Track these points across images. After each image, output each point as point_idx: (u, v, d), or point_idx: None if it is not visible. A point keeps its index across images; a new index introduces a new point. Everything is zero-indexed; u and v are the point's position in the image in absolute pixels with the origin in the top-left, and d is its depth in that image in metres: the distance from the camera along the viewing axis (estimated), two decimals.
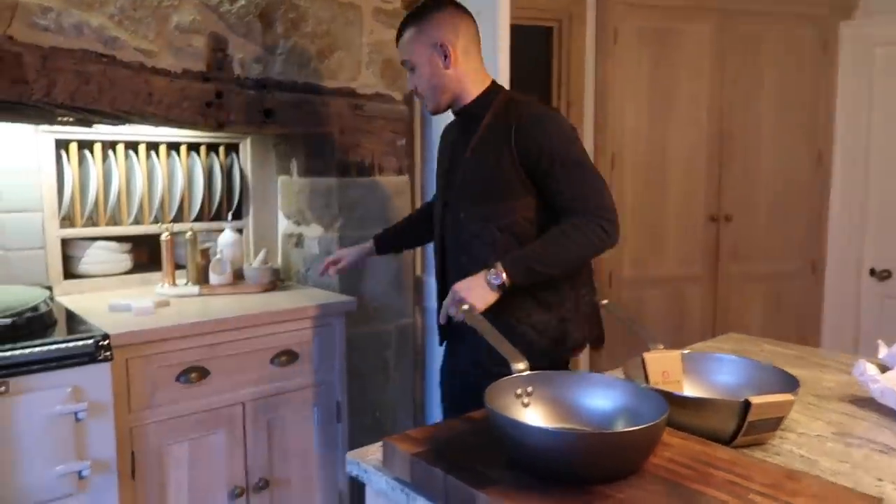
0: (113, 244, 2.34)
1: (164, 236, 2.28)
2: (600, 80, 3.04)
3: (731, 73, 3.20)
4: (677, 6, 3.10)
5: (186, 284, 2.31)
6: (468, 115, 1.65)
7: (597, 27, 3.00)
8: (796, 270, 3.42)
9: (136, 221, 2.38)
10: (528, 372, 1.04)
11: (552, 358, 1.58)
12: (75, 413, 1.67)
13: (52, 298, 2.12)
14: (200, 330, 1.91)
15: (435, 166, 1.88)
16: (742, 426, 1.04)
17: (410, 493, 0.93)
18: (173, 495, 1.91)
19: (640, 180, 3.20)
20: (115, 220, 2.35)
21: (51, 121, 2.07)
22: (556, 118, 1.59)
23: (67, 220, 2.25)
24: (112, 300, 2.04)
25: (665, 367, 1.26)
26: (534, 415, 1.01)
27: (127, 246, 2.40)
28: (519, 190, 1.55)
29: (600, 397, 1.01)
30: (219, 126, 2.16)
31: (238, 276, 2.37)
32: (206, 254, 2.36)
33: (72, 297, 2.18)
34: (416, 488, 0.93)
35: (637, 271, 3.23)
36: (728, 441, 1.05)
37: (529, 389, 1.03)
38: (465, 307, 1.18)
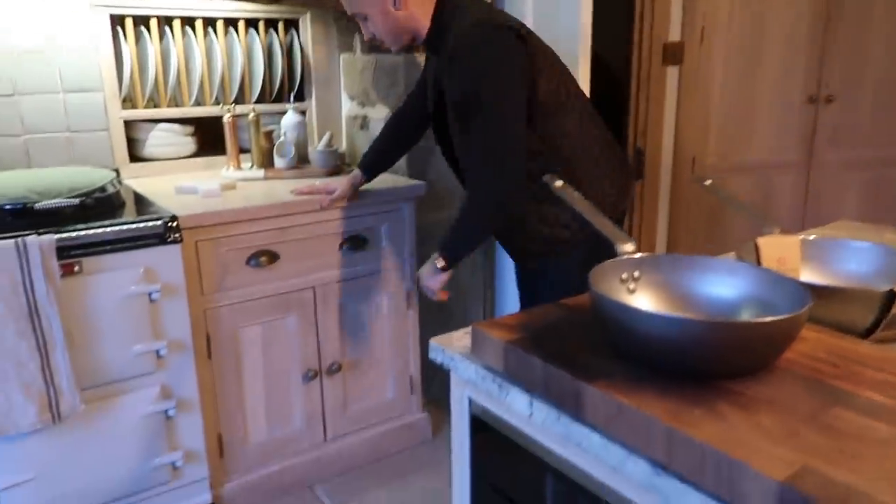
0: (176, 126, 2.27)
1: (227, 118, 2.19)
2: None
3: None
4: None
5: (251, 168, 2.24)
6: (431, 48, 1.63)
7: None
8: None
9: (198, 103, 2.30)
10: (636, 254, 0.92)
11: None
12: (149, 294, 1.66)
13: (119, 181, 2.09)
14: (269, 213, 1.85)
15: None
16: (883, 319, 0.90)
17: (503, 384, 0.85)
18: (249, 376, 1.92)
19: (732, 56, 2.89)
20: (176, 102, 2.27)
21: None
22: (473, 47, 1.45)
23: (129, 102, 2.19)
24: (178, 183, 1.99)
25: (781, 252, 1.11)
26: (643, 302, 0.90)
27: (190, 129, 2.33)
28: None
29: (721, 284, 0.89)
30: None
31: (303, 159, 2.29)
32: (269, 136, 2.26)
33: (138, 181, 2.14)
34: (509, 378, 0.85)
35: (723, 157, 2.99)
36: (863, 337, 0.92)
37: (636, 274, 0.91)
38: (559, 183, 1.05)
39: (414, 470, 2.18)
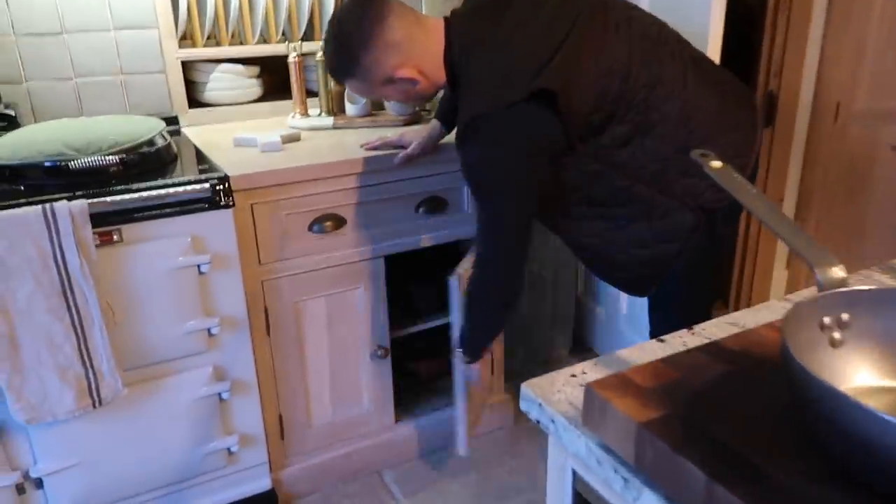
0: (239, 67, 2.03)
1: (292, 58, 1.92)
2: None
3: None
4: None
5: (320, 115, 1.98)
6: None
7: None
8: None
9: (263, 41, 2.05)
10: (841, 287, 0.60)
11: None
12: (198, 266, 1.45)
13: (176, 131, 1.89)
14: (333, 172, 1.60)
15: None
16: None
17: (632, 480, 0.57)
18: (312, 353, 1.72)
19: None
20: (240, 40, 2.02)
21: None
22: (481, 128, 1.23)
23: (188, 41, 1.96)
24: (237, 133, 1.76)
25: None
26: (853, 364, 0.59)
27: (255, 70, 2.09)
28: None
29: None
30: None
31: (378, 105, 2.01)
32: None
33: (197, 129, 1.93)
34: (643, 475, 0.56)
35: (875, 101, 2.49)
36: None
37: (844, 317, 0.60)
38: (716, 164, 0.72)
39: (492, 460, 1.95)
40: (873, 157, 2.46)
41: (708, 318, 1.57)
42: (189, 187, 1.40)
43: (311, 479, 1.81)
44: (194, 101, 2.01)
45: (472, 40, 1.28)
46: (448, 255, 1.84)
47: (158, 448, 1.53)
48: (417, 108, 2.00)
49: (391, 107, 1.96)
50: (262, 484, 1.70)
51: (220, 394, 1.56)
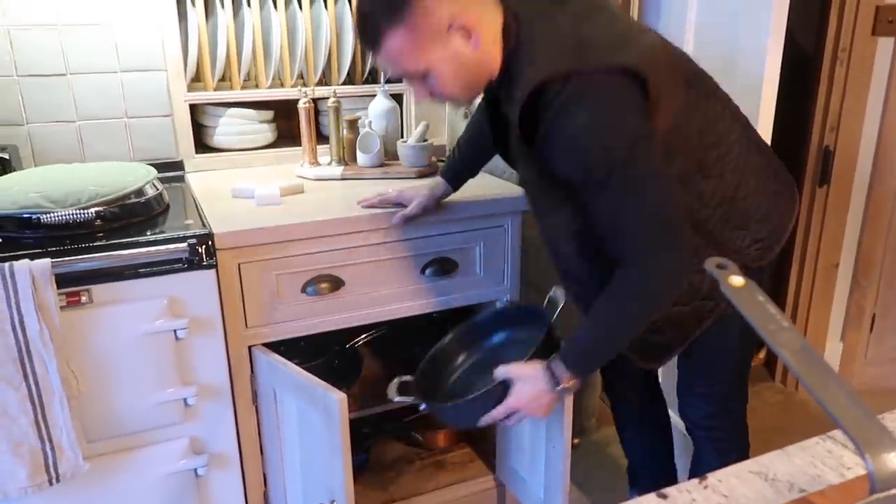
0: (250, 112, 1.95)
1: (303, 102, 1.82)
2: None
3: None
4: None
5: (330, 164, 1.87)
6: (493, 91, 1.21)
7: None
8: None
9: (280, 83, 1.96)
10: None
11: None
12: (174, 330, 1.34)
13: (179, 177, 1.80)
14: (331, 230, 1.47)
15: None
16: None
17: None
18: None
19: None
20: (255, 83, 1.94)
21: None
22: (587, 103, 1.02)
23: (200, 82, 1.88)
24: (236, 184, 1.66)
25: None
26: None
27: (268, 114, 2.00)
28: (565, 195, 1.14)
29: None
30: None
31: (391, 154, 1.89)
32: (354, 126, 1.88)
33: (201, 176, 1.84)
34: None
35: None
36: None
37: None
38: (737, 280, 0.55)
39: None
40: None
41: (748, 367, 1.38)
42: (164, 247, 1.29)
43: None
44: (203, 145, 1.93)
45: (538, 11, 1.08)
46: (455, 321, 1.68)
47: None
48: (435, 159, 1.88)
49: (405, 157, 1.83)
50: None
51: (195, 469, 1.43)
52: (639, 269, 1.09)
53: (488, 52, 1.09)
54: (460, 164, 1.52)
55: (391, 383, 1.44)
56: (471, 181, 1.56)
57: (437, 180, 1.51)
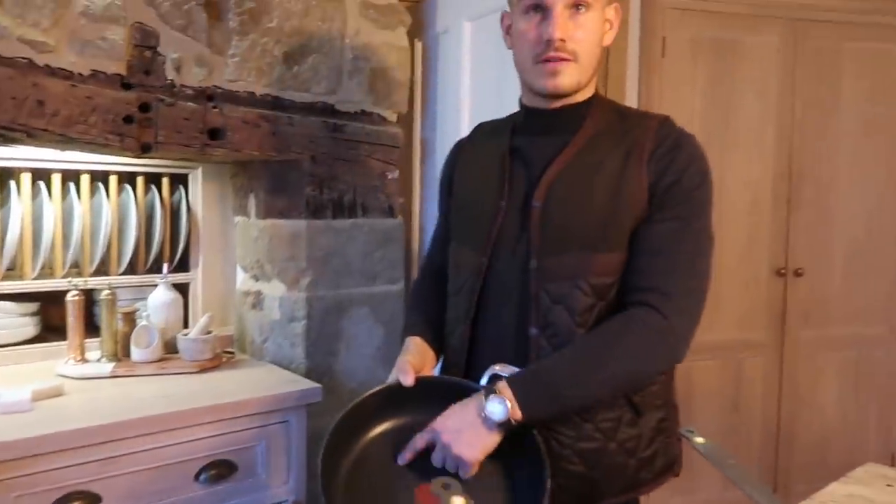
0: (8, 304, 1.78)
1: (71, 295, 1.71)
2: (644, 100, 2.46)
3: (804, 93, 2.62)
4: (739, 13, 2.53)
5: (100, 360, 1.74)
6: (561, 117, 1.16)
7: (641, 37, 2.44)
8: (879, 336, 2.79)
9: (51, 273, 1.82)
10: None
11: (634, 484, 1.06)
12: None
13: None
14: (87, 440, 1.33)
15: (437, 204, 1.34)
16: None
17: None
18: None
19: None
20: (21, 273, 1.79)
21: None
22: (695, 142, 1.16)
23: None
24: None
25: None
26: None
27: (32, 307, 1.84)
28: (628, 235, 1.09)
29: None
30: (142, 149, 1.61)
31: (172, 348, 1.80)
32: (131, 318, 1.78)
33: None
34: None
35: None
36: None
37: None
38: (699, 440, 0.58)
39: None
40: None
41: None
42: None
43: None
44: None
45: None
46: None
47: None
48: (220, 351, 1.81)
49: (185, 351, 1.75)
50: None
51: None
52: (657, 311, 1.03)
53: (600, 59, 1.17)
54: (437, 328, 1.26)
55: None
56: (256, 371, 1.52)
57: (420, 346, 1.23)
